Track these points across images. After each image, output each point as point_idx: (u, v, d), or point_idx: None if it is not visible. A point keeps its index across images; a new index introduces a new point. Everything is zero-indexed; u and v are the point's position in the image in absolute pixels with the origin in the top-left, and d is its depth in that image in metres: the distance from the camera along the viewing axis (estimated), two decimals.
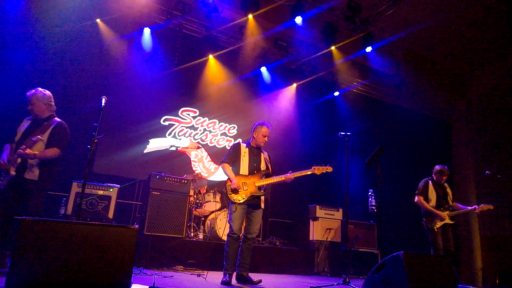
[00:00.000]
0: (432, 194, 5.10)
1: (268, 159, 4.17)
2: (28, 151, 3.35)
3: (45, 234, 2.04)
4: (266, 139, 4.10)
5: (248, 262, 3.87)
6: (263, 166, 4.05)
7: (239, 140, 7.33)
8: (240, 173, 3.95)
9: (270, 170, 4.12)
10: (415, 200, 5.16)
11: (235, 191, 3.81)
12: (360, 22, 6.87)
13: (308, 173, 4.03)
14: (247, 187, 3.86)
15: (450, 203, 5.10)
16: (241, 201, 3.81)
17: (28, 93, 3.62)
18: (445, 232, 4.98)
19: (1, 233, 3.35)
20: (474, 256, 8.56)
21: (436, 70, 8.98)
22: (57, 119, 3.68)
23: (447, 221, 4.94)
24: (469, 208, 5.04)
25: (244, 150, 4.06)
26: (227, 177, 3.93)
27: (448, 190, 5.21)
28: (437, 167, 5.22)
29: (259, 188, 3.92)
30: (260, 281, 3.83)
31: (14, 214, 3.44)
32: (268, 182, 3.95)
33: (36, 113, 3.60)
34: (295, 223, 7.44)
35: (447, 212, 4.98)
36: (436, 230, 4.93)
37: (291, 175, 3.93)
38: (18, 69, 5.39)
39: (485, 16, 7.19)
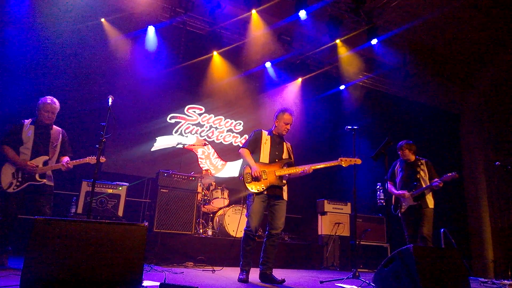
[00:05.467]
0: (397, 176, 4.75)
1: (290, 149, 3.87)
2: (71, 164, 3.66)
3: (57, 233, 2.07)
4: (288, 127, 3.80)
5: (273, 260, 3.60)
6: (285, 155, 3.76)
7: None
8: (260, 161, 3.66)
9: (293, 160, 3.82)
10: (386, 187, 4.84)
11: (257, 179, 3.51)
12: (365, 14, 6.80)
13: (334, 164, 3.72)
14: (267, 176, 3.56)
15: (419, 182, 4.52)
16: (260, 192, 3.51)
17: (51, 102, 3.67)
18: (414, 215, 4.52)
19: (3, 233, 3.45)
20: (485, 248, 8.48)
21: (443, 61, 8.85)
22: (57, 127, 3.84)
23: (411, 203, 4.53)
24: (429, 183, 4.47)
25: (266, 138, 3.78)
26: (246, 164, 3.63)
27: (422, 167, 4.60)
28: (398, 144, 4.78)
29: (280, 178, 3.61)
30: (283, 280, 3.51)
31: (18, 216, 3.60)
32: (290, 172, 3.62)
33: (50, 121, 3.73)
34: (303, 218, 7.44)
35: (410, 192, 4.54)
36: (400, 215, 4.59)
37: (310, 167, 3.61)
38: (23, 70, 5.44)
39: (493, 4, 7.05)
